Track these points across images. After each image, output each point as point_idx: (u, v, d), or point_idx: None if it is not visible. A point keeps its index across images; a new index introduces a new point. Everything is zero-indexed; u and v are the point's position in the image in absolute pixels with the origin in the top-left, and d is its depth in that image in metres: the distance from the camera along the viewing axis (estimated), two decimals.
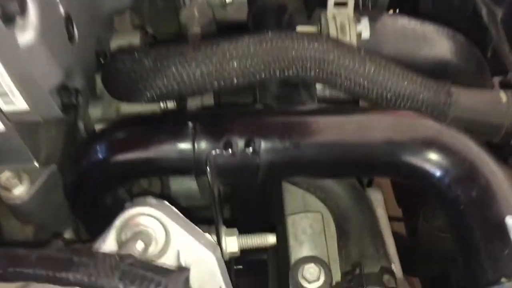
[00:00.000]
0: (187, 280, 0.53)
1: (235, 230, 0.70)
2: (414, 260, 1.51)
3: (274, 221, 0.88)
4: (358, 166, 0.68)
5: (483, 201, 0.61)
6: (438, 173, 0.64)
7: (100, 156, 0.67)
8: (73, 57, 0.70)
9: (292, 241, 0.83)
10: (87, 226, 0.77)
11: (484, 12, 0.90)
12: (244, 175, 0.66)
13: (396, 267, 0.93)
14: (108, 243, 0.60)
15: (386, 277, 0.72)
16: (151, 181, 0.90)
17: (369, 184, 1.30)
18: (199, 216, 1.00)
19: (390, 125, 0.67)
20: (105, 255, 0.54)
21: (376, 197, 1.04)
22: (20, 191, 0.69)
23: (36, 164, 0.71)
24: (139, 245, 0.57)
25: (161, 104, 0.85)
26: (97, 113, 0.86)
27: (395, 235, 1.62)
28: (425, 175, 0.65)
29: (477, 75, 0.82)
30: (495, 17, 0.90)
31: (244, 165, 0.65)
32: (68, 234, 0.80)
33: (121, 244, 0.59)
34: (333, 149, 0.66)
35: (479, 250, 0.59)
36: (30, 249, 0.54)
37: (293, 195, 0.90)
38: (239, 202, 0.97)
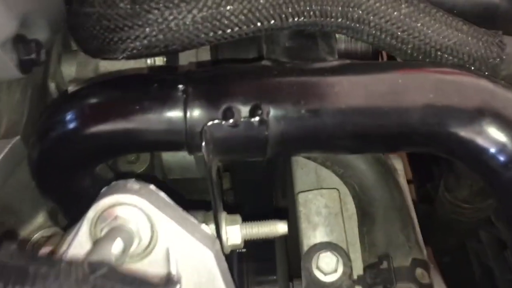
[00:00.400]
0: None
1: (238, 217, 0.57)
2: (429, 229, 1.41)
3: (282, 201, 0.76)
4: (390, 139, 0.54)
5: None
6: (492, 148, 0.51)
7: (70, 126, 0.53)
8: (31, 1, 0.55)
9: (304, 224, 0.71)
10: (62, 210, 0.64)
11: None
12: (248, 151, 0.53)
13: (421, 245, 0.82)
14: (80, 241, 0.47)
15: (419, 271, 0.60)
16: (139, 156, 0.76)
17: None
18: (194, 192, 0.88)
19: (431, 86, 0.53)
20: (71, 264, 0.41)
21: (397, 166, 0.91)
22: None
23: None
24: (117, 246, 0.45)
25: (148, 61, 0.71)
26: (71, 71, 0.72)
27: None
28: (475, 151, 0.52)
29: None
30: None
31: (249, 139, 0.51)
32: (41, 219, 0.67)
33: (96, 241, 0.47)
34: (359, 117, 0.52)
35: None
36: None
37: (305, 169, 0.77)
38: (240, 180, 0.84)
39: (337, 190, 0.73)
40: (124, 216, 0.47)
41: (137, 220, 0.47)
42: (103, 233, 0.46)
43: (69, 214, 0.64)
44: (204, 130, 0.49)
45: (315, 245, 0.68)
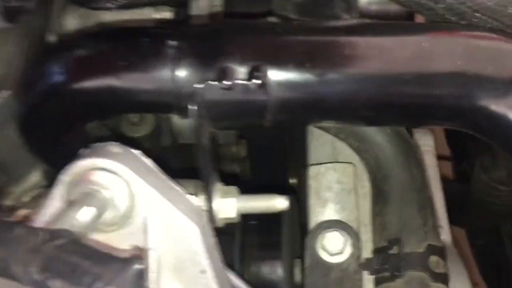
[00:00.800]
0: (138, 275, 0.36)
1: (234, 189, 0.52)
2: (463, 210, 1.33)
3: (294, 173, 0.70)
4: (410, 111, 0.47)
5: None
6: None
7: (53, 79, 0.49)
8: None
9: (313, 199, 0.65)
10: (54, 169, 0.61)
11: None
12: (245, 117, 0.47)
13: (445, 233, 0.75)
14: (52, 206, 0.44)
15: (433, 259, 0.54)
16: (143, 116, 0.72)
17: None
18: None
19: (462, 51, 0.45)
20: (28, 230, 0.37)
21: (426, 142, 0.84)
22: None
23: None
24: (87, 213, 0.41)
25: (154, 15, 0.65)
26: (73, 24, 0.67)
27: (442, 179, 1.42)
28: (507, 128, 0.45)
29: None
30: None
31: (246, 104, 0.45)
32: (35, 178, 0.64)
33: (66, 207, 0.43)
34: (374, 85, 0.45)
35: None
36: None
37: (320, 140, 0.71)
38: (250, 150, 0.79)
39: (353, 164, 0.66)
40: (100, 181, 0.43)
41: (114, 187, 0.43)
42: (75, 198, 0.42)
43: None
44: (194, 92, 0.44)
45: (322, 222, 0.62)
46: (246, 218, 0.73)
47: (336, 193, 0.65)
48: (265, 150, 0.80)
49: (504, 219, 1.29)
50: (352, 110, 0.47)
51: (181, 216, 0.45)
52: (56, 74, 0.50)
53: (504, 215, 1.27)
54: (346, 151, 0.68)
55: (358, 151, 0.63)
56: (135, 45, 0.47)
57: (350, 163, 0.66)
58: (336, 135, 0.64)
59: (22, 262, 0.35)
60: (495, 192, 1.08)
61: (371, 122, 0.53)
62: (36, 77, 0.51)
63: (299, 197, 0.79)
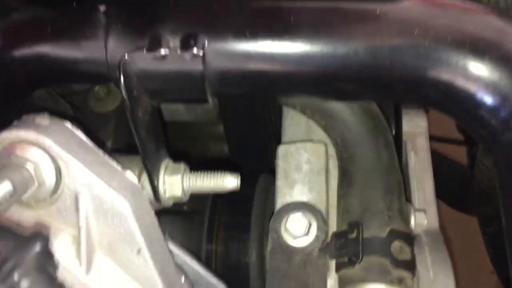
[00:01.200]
0: (43, 252, 0.34)
1: (182, 166, 0.49)
2: (470, 197, 1.27)
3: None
4: (357, 85, 0.43)
5: None
6: (490, 100, 0.39)
7: None
8: None
9: (280, 181, 0.62)
10: None
11: None
12: (183, 91, 0.44)
13: (431, 217, 0.71)
14: None
15: (396, 244, 0.50)
16: (110, 90, 0.70)
17: None
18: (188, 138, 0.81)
19: (415, 15, 0.41)
20: None
21: (418, 123, 0.79)
22: None
23: None
24: (3, 187, 0.39)
25: None
26: None
27: (453, 163, 1.35)
28: (469, 102, 0.40)
29: None
30: None
31: (181, 75, 0.42)
32: None
33: None
34: (319, 55, 0.41)
35: None
36: None
37: (295, 119, 0.67)
38: (225, 130, 0.75)
39: (325, 144, 0.63)
40: (23, 155, 0.41)
41: (38, 161, 0.41)
42: None
43: None
44: (122, 62, 0.41)
45: (287, 204, 0.59)
46: (216, 197, 0.70)
47: (305, 173, 0.61)
48: (243, 130, 0.77)
49: None
50: (296, 84, 0.43)
51: (113, 193, 0.42)
52: None
53: None
54: (320, 130, 0.64)
55: (325, 129, 0.59)
56: (67, 11, 0.44)
57: (322, 142, 0.63)
58: (302, 111, 0.60)
59: None
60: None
61: (320, 95, 0.49)
62: None
63: None
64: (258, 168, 0.78)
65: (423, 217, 0.66)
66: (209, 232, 0.66)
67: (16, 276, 0.31)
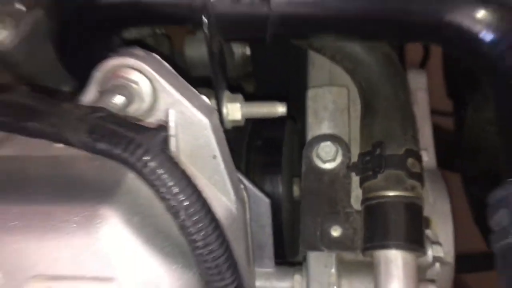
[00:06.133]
0: (164, 141, 0.45)
1: (240, 96, 0.61)
2: (459, 155, 1.40)
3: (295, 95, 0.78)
4: (393, 25, 0.55)
5: None
6: (489, 36, 0.51)
7: None
8: None
9: (311, 118, 0.74)
10: (81, 82, 0.69)
11: None
12: (250, 30, 0.55)
13: (430, 156, 0.83)
14: (89, 96, 0.53)
15: (410, 160, 0.62)
16: (158, 42, 0.80)
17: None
18: None
19: None
20: (73, 105, 0.46)
21: (419, 79, 0.91)
22: (3, 35, 0.61)
23: (20, 6, 0.62)
24: (118, 99, 0.50)
25: None
26: None
27: (440, 129, 1.49)
28: (474, 40, 0.52)
29: None
30: None
31: (250, 16, 0.53)
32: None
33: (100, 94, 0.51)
34: (359, 1, 0.53)
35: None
36: None
37: (319, 66, 0.79)
38: (257, 71, 0.87)
39: (347, 88, 0.75)
40: (127, 77, 0.51)
41: (139, 82, 0.52)
42: (108, 88, 0.51)
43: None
44: (206, 4, 0.52)
45: (317, 136, 0.71)
46: (251, 139, 0.82)
47: (331, 112, 0.73)
48: (270, 70, 0.88)
49: (495, 163, 1.37)
50: (341, 22, 0.54)
51: (195, 110, 0.53)
52: None
53: (495, 159, 1.34)
54: (341, 75, 0.76)
55: (351, 72, 0.71)
56: None
57: (345, 86, 0.75)
58: (332, 58, 0.72)
59: (72, 128, 0.44)
60: (487, 134, 1.15)
61: (357, 36, 0.61)
62: None
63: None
64: None
65: (425, 154, 0.79)
66: (246, 168, 0.78)
67: (147, 157, 0.42)
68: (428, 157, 0.82)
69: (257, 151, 0.81)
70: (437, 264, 0.71)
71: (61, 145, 0.46)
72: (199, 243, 0.44)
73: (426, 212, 0.71)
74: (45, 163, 0.49)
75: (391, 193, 0.61)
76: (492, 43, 0.51)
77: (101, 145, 0.43)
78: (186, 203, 0.44)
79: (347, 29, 0.57)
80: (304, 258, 0.69)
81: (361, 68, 0.69)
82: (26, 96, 0.46)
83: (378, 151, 0.62)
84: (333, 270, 0.67)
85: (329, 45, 0.69)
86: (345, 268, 0.67)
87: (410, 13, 0.53)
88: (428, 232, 0.71)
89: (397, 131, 0.64)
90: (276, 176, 0.79)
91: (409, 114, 0.66)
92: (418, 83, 0.90)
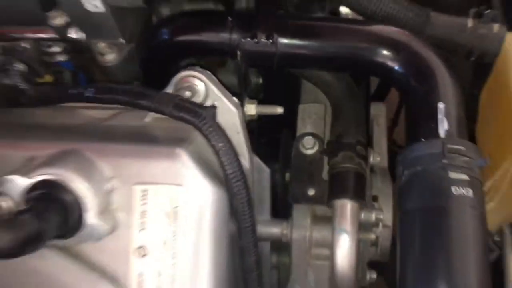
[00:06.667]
0: (215, 114, 0.83)
1: (255, 101, 0.98)
2: None
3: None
4: (345, 62, 0.94)
5: (429, 92, 0.86)
6: (400, 69, 0.89)
7: (165, 37, 0.97)
8: None
9: (299, 122, 1.11)
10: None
11: None
12: (264, 60, 0.94)
13: (383, 159, 1.19)
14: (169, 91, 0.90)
15: (359, 147, 0.99)
16: None
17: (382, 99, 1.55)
18: None
19: (373, 32, 0.92)
20: (165, 92, 0.84)
21: (380, 109, 1.29)
22: (111, 57, 1.00)
23: (122, 40, 1.01)
24: (187, 94, 0.87)
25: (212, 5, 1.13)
26: (166, 10, 1.15)
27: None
28: (390, 71, 0.91)
29: (463, 6, 1.04)
30: None
31: (264, 52, 0.92)
32: None
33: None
34: (326, 46, 0.92)
35: (418, 123, 0.85)
36: (117, 85, 0.85)
37: (308, 90, 1.18)
38: (266, 95, 1.26)
39: (325, 105, 1.13)
40: (192, 82, 0.89)
41: (198, 85, 0.89)
42: (182, 87, 0.89)
43: None
44: (239, 44, 0.91)
45: (303, 133, 1.09)
46: (260, 136, 1.19)
47: (314, 119, 1.11)
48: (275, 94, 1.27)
49: None
50: (316, 59, 0.93)
51: (230, 105, 0.90)
52: (163, 34, 0.98)
53: None
54: (322, 97, 1.14)
55: (326, 94, 1.10)
56: (212, 19, 0.94)
57: (323, 103, 1.13)
58: (315, 84, 1.10)
59: (165, 105, 0.81)
60: None
61: (326, 67, 1.00)
62: (155, 36, 0.98)
63: None
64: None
65: (379, 157, 1.16)
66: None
67: (205, 122, 0.79)
68: (381, 159, 1.19)
69: (263, 145, 1.18)
70: (380, 224, 1.07)
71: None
72: (229, 171, 0.80)
73: (375, 192, 1.07)
74: (141, 128, 0.86)
75: (345, 166, 0.97)
76: (403, 74, 0.89)
77: (181, 114, 0.80)
78: (224, 148, 0.80)
79: (324, 63, 0.96)
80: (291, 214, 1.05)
81: (332, 91, 1.08)
82: (139, 87, 0.84)
83: (339, 140, 0.99)
84: (308, 220, 1.02)
85: (313, 74, 1.08)
86: (316, 219, 1.03)
87: (357, 57, 0.92)
88: (375, 204, 1.07)
89: (352, 129, 1.01)
90: (273, 165, 1.16)
91: (361, 120, 1.04)
92: (379, 111, 1.28)
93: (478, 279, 0.72)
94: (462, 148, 0.78)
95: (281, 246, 1.10)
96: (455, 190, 0.75)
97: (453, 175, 0.76)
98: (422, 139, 0.81)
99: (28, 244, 0.67)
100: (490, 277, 0.73)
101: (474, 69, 1.06)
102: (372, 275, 1.11)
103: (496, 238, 1.03)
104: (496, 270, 1.04)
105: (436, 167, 0.77)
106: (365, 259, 1.08)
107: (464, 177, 0.75)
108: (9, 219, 0.68)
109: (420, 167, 0.79)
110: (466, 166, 0.77)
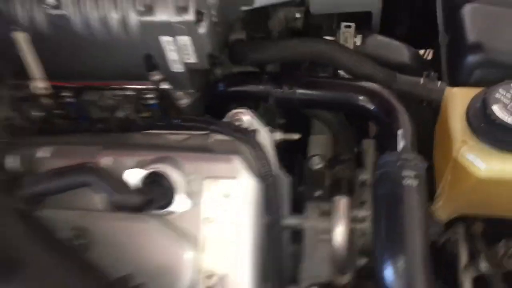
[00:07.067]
0: (255, 135, 1.31)
1: (280, 131, 1.47)
2: None
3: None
4: (335, 105, 1.44)
5: (393, 123, 1.34)
6: (375, 109, 1.38)
7: (221, 88, 1.49)
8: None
9: (311, 147, 1.60)
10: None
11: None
12: (286, 103, 1.45)
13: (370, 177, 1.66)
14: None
15: (349, 163, 1.47)
16: None
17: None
18: None
19: (358, 85, 1.42)
20: (224, 121, 1.34)
21: (369, 144, 1.77)
22: (185, 101, 1.51)
23: (192, 90, 1.52)
24: (237, 123, 1.37)
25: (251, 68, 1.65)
26: (219, 72, 1.67)
27: None
28: (368, 110, 1.40)
29: (419, 70, 1.54)
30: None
31: (287, 98, 1.43)
32: None
33: None
34: (327, 94, 1.42)
35: (385, 141, 1.33)
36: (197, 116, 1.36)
37: (316, 125, 1.68)
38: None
39: (327, 136, 1.62)
40: (239, 117, 1.38)
41: (244, 118, 1.38)
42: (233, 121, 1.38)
43: None
44: (271, 93, 1.42)
45: (312, 155, 1.56)
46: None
47: (320, 145, 1.60)
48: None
49: None
50: (325, 103, 1.43)
51: (264, 131, 1.39)
52: (220, 87, 1.50)
53: None
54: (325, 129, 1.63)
55: (328, 127, 1.59)
56: (253, 76, 1.45)
57: (327, 135, 1.62)
58: (323, 122, 1.60)
59: (224, 127, 1.30)
60: None
61: (328, 108, 1.50)
62: (213, 88, 1.50)
63: None
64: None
65: (368, 173, 1.63)
66: None
67: (251, 139, 1.27)
68: (369, 177, 1.66)
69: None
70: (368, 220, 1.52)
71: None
72: (264, 170, 1.28)
73: (365, 198, 1.53)
74: (208, 144, 1.35)
75: (339, 175, 1.45)
76: (375, 112, 1.38)
77: (236, 134, 1.29)
78: (261, 156, 1.28)
79: (326, 105, 1.46)
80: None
81: (332, 125, 1.57)
82: (210, 118, 1.34)
83: (336, 158, 1.47)
84: (316, 214, 1.48)
85: (318, 113, 1.58)
86: (322, 213, 1.48)
87: (347, 101, 1.41)
88: (364, 206, 1.53)
89: (346, 150, 1.50)
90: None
91: (351, 144, 1.52)
92: (369, 145, 1.76)
93: (421, 238, 1.17)
94: (411, 156, 1.25)
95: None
96: (405, 182, 1.21)
97: (404, 172, 1.22)
98: (388, 152, 1.29)
99: (147, 205, 1.15)
100: (428, 235, 1.18)
101: (433, 112, 1.54)
102: (361, 262, 1.55)
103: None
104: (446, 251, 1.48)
105: (395, 168, 1.24)
106: (356, 246, 1.53)
107: (412, 173, 1.22)
108: (139, 189, 1.16)
109: (385, 169, 1.26)
110: (413, 167, 1.23)
